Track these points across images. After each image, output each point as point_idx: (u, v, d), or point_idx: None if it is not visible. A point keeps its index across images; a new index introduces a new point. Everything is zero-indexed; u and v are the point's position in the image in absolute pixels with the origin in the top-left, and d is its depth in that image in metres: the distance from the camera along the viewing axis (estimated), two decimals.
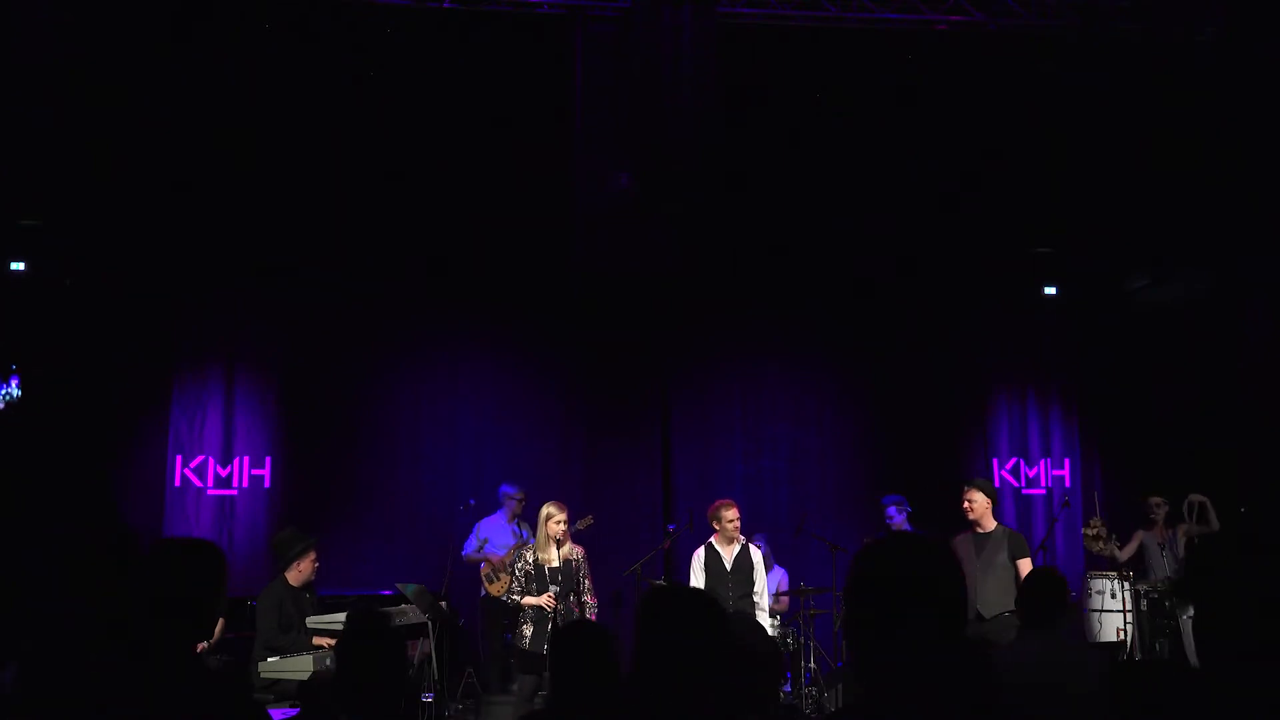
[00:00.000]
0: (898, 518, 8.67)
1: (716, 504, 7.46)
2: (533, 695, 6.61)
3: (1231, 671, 1.99)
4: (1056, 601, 4.31)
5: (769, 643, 3.73)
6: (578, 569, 6.84)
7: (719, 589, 7.17)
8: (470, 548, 8.80)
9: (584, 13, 7.77)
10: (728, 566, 7.23)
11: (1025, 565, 6.77)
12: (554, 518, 6.83)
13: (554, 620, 6.61)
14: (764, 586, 7.34)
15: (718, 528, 7.31)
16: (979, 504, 7.02)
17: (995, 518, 7.18)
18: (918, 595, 1.89)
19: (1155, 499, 8.82)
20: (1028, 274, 10.83)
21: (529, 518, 8.49)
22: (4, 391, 8.19)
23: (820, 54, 8.17)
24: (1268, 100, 7.95)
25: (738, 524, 7.32)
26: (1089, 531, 8.44)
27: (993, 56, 8.20)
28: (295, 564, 6.92)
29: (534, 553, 6.86)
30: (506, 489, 8.96)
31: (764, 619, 7.23)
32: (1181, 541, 8.57)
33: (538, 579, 6.75)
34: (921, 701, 1.83)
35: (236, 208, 8.93)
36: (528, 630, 6.71)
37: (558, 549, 6.83)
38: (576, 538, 8.07)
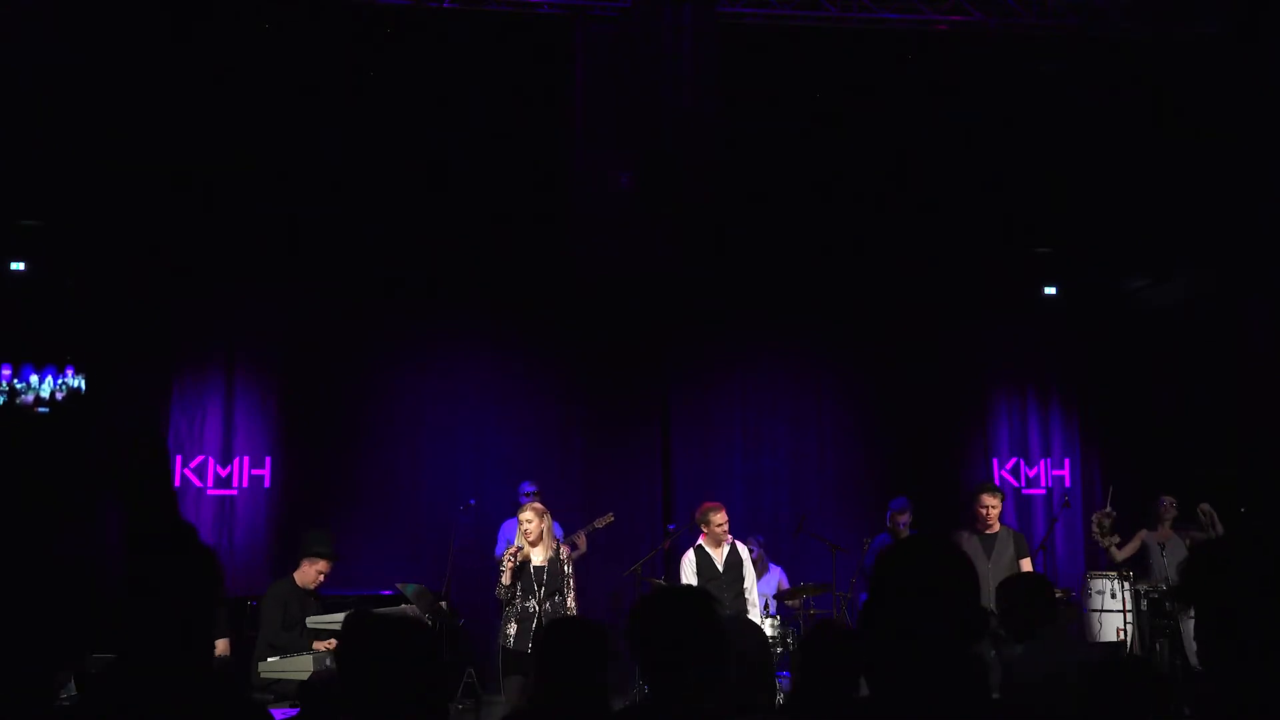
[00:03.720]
0: (902, 521, 8.68)
1: (704, 507, 7.42)
2: (519, 696, 6.58)
3: (1232, 671, 1.99)
4: (1038, 608, 4.25)
5: (763, 650, 3.71)
6: (561, 569, 6.80)
7: (713, 590, 7.17)
8: (501, 550, 8.72)
9: (584, 13, 7.77)
10: (719, 567, 7.25)
11: (1026, 565, 7.18)
12: (521, 516, 6.82)
13: (538, 620, 6.58)
14: (753, 583, 7.38)
15: (706, 530, 7.30)
16: (998, 509, 7.42)
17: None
18: (937, 598, 1.91)
19: (1168, 498, 8.74)
20: (1028, 274, 10.84)
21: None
22: (60, 382, 8.21)
23: (820, 54, 8.18)
24: (1268, 100, 7.95)
25: (726, 526, 7.34)
26: (1100, 520, 8.41)
27: (993, 56, 8.20)
28: (305, 561, 6.97)
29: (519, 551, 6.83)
30: (524, 486, 8.88)
31: (754, 615, 7.27)
32: (1185, 545, 8.53)
33: (522, 577, 6.72)
34: (933, 701, 1.84)
35: (237, 207, 8.92)
36: (511, 629, 6.65)
37: (535, 549, 6.80)
38: (592, 536, 8.10)
